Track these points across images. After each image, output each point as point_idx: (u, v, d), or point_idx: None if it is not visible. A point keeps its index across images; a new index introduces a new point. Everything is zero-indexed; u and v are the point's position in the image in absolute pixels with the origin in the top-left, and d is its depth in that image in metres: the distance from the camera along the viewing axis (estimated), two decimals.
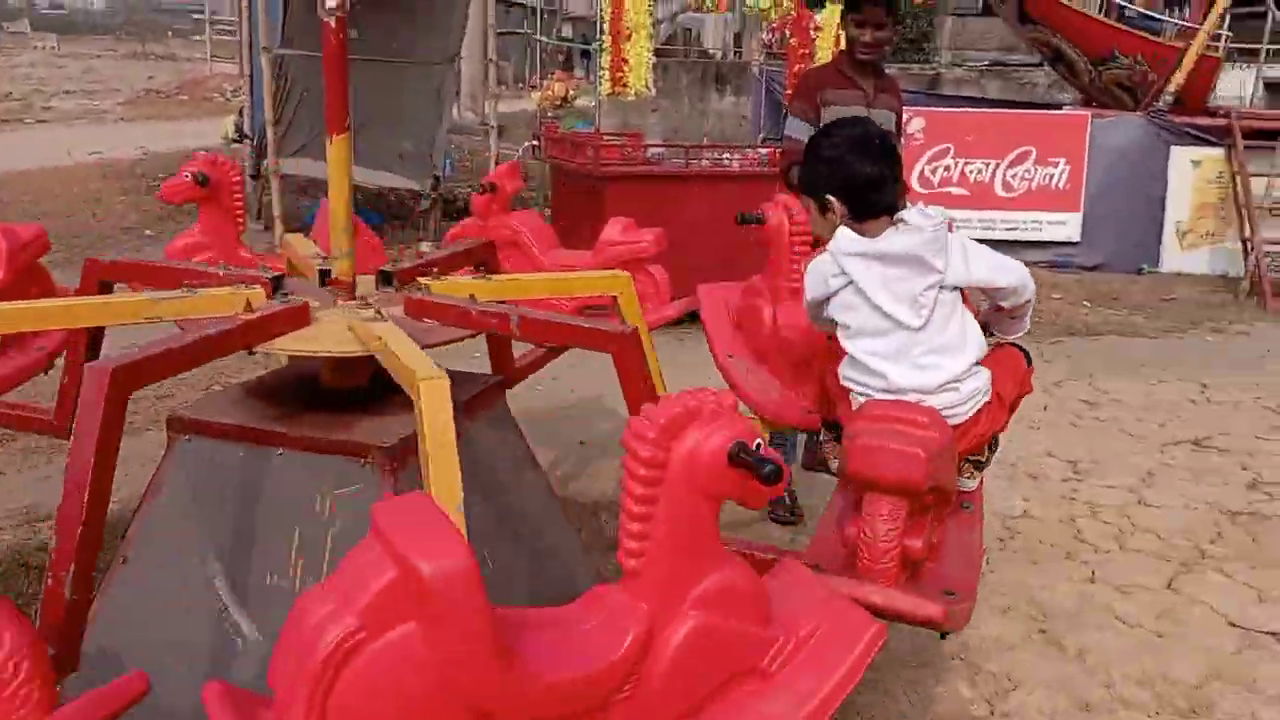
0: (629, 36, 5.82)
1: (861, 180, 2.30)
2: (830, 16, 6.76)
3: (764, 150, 6.75)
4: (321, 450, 2.30)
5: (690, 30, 22.14)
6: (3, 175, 10.70)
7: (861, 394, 2.33)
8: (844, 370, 2.37)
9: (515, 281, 2.86)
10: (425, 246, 7.52)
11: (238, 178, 3.61)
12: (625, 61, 5.94)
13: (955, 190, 8.47)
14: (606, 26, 5.91)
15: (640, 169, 6.28)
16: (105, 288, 2.64)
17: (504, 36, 10.60)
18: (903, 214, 2.29)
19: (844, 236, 2.29)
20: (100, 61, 37.40)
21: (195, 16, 40.51)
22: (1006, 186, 8.65)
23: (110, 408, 1.76)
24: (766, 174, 6.18)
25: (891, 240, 2.26)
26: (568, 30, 18.06)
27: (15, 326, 2.15)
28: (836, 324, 2.36)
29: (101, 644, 2.39)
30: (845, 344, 2.33)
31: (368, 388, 2.51)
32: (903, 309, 2.24)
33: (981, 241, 2.44)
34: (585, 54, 20.99)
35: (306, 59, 8.77)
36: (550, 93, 9.23)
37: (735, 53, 24.02)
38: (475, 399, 2.59)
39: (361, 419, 2.38)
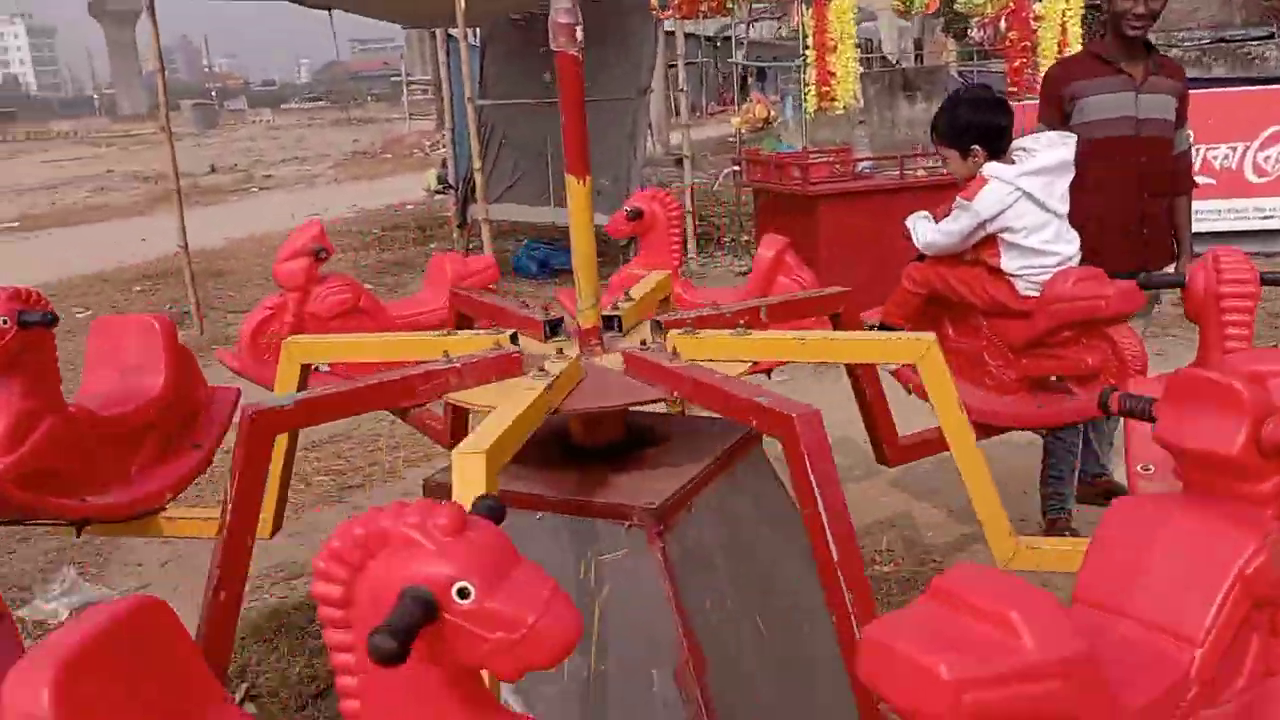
0: (834, 48, 5.57)
1: (997, 130, 3.07)
2: (1052, 3, 6.24)
3: None
4: (582, 513, 2.15)
5: (870, 40, 21.57)
6: (239, 240, 11.52)
7: (1038, 276, 2.97)
8: (1012, 264, 3.02)
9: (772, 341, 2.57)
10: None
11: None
12: (832, 74, 5.68)
13: (1200, 179, 7.65)
14: (810, 40, 5.66)
15: (852, 185, 5.98)
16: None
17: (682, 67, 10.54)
18: (1020, 143, 3.07)
19: (1002, 168, 3.00)
20: (309, 130, 40.48)
21: (393, 79, 43.14)
22: (1259, 171, 7.77)
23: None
24: None
25: (1046, 156, 3.00)
26: (740, 57, 17.96)
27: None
28: (987, 237, 3.03)
29: None
30: (1015, 242, 3.00)
31: (621, 444, 2.36)
32: (1056, 202, 3.00)
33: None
34: (761, 76, 20.79)
35: (503, 108, 9.00)
36: (751, 115, 9.05)
37: (916, 57, 23.22)
38: (737, 446, 2.39)
39: (619, 477, 2.22)
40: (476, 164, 6.53)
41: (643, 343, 2.24)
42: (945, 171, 6.19)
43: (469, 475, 1.67)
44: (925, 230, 3.12)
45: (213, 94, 64.46)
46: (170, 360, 2.89)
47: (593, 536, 2.14)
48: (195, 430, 3.02)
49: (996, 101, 3.15)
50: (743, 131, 9.33)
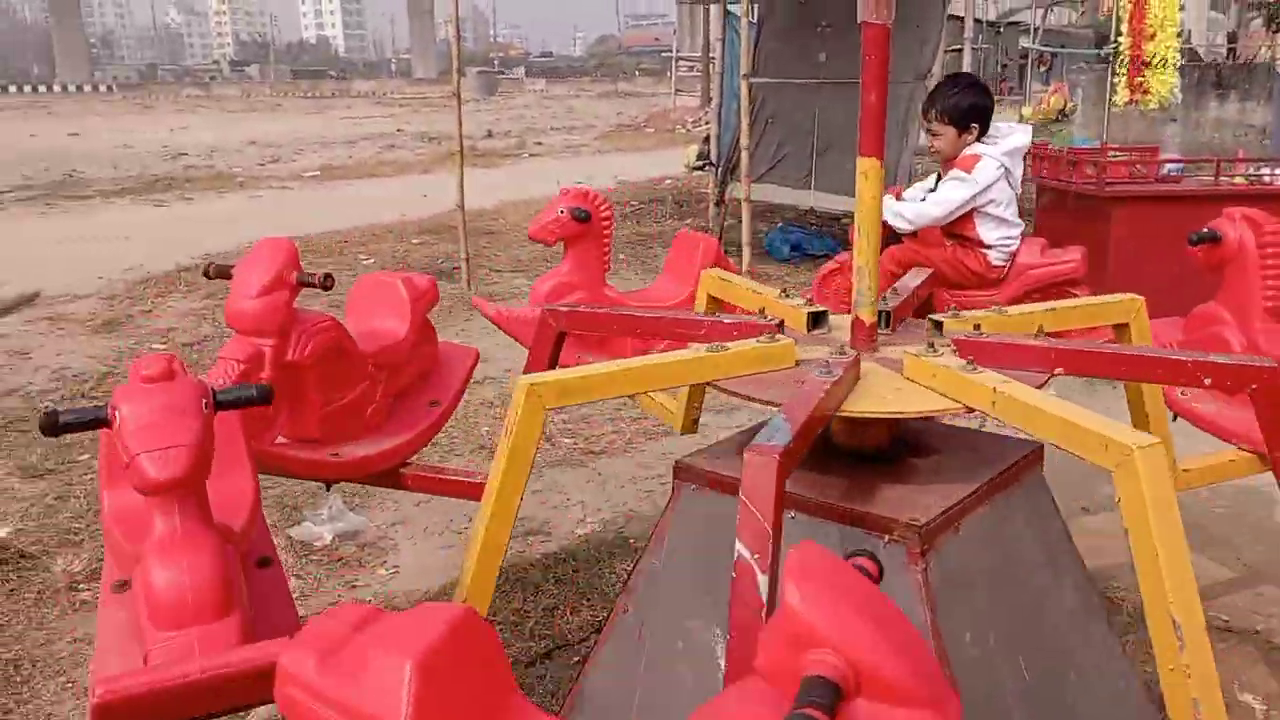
0: (1153, 35, 5.02)
1: (989, 112, 3.44)
2: None
3: None
4: (838, 519, 2.02)
5: (1180, 33, 19.64)
6: (508, 202, 12.08)
7: (1009, 246, 3.44)
8: (990, 234, 3.41)
9: (1030, 314, 2.39)
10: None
11: (609, 214, 3.44)
12: (1147, 65, 5.13)
13: None
14: (1125, 25, 5.13)
15: (1155, 188, 5.40)
16: (560, 339, 2.52)
17: (957, 54, 9.99)
18: (995, 128, 3.46)
19: (990, 146, 3.40)
20: (579, 101, 41.97)
21: (663, 55, 43.91)
22: None
23: (779, 492, 1.64)
24: None
25: (1015, 139, 3.43)
26: (1024, 43, 16.82)
27: (565, 399, 2.07)
28: (971, 212, 3.41)
29: (594, 694, 2.33)
30: (994, 214, 3.40)
31: (887, 450, 2.21)
32: (1015, 181, 3.45)
33: None
34: (1048, 66, 19.43)
35: (774, 87, 8.85)
36: (1046, 106, 8.41)
37: (1229, 52, 20.90)
38: (1015, 466, 2.17)
39: (883, 486, 2.07)
40: (744, 142, 6.42)
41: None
42: (1267, 180, 5.54)
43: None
44: (913, 207, 3.45)
45: (495, 62, 68.15)
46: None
47: (846, 545, 2.00)
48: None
49: (984, 86, 3.59)
50: (1036, 122, 8.69)
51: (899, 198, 3.57)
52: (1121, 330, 2.52)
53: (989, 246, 3.42)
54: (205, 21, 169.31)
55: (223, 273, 2.66)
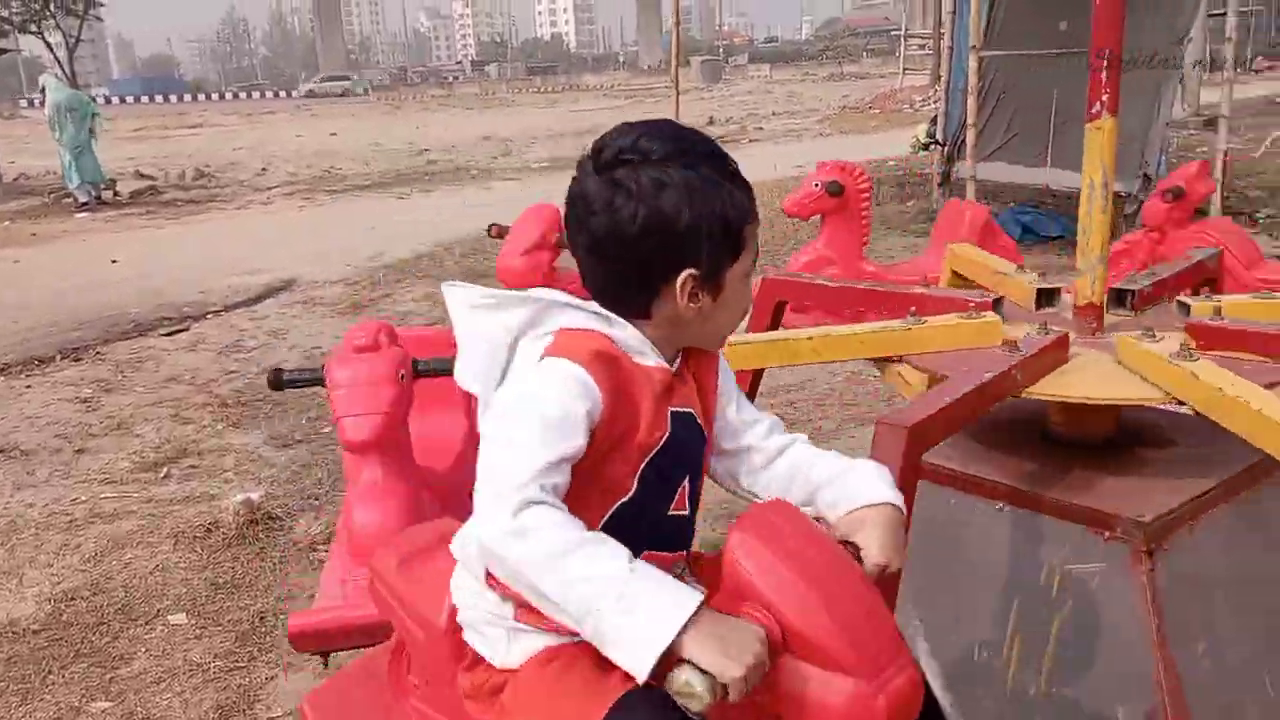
0: None
1: None
2: None
3: None
4: (1053, 512, 1.87)
5: None
6: None
7: None
8: None
9: None
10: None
11: (867, 185, 3.30)
12: None
13: None
14: None
15: None
16: (780, 307, 2.51)
17: (1221, 17, 9.08)
18: None
19: None
20: (803, 85, 41.35)
21: (892, 34, 42.59)
22: None
23: (908, 465, 1.56)
24: None
25: None
26: None
27: (762, 361, 2.07)
28: None
29: None
30: None
31: (1113, 440, 2.02)
32: None
33: None
34: None
35: (1010, 62, 8.36)
36: None
37: None
38: (1262, 463, 1.93)
39: (1106, 480, 1.90)
40: (971, 119, 6.10)
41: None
42: None
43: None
44: None
45: (720, 50, 68.39)
46: None
47: (1062, 541, 1.86)
48: None
49: None
50: None
51: None
52: None
53: None
54: (451, 25, 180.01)
55: (502, 232, 3.00)
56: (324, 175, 16.51)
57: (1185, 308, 1.97)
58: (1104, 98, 1.87)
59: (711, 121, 23.62)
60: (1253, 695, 1.84)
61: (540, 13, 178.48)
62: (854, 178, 3.28)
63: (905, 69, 25.59)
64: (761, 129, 21.74)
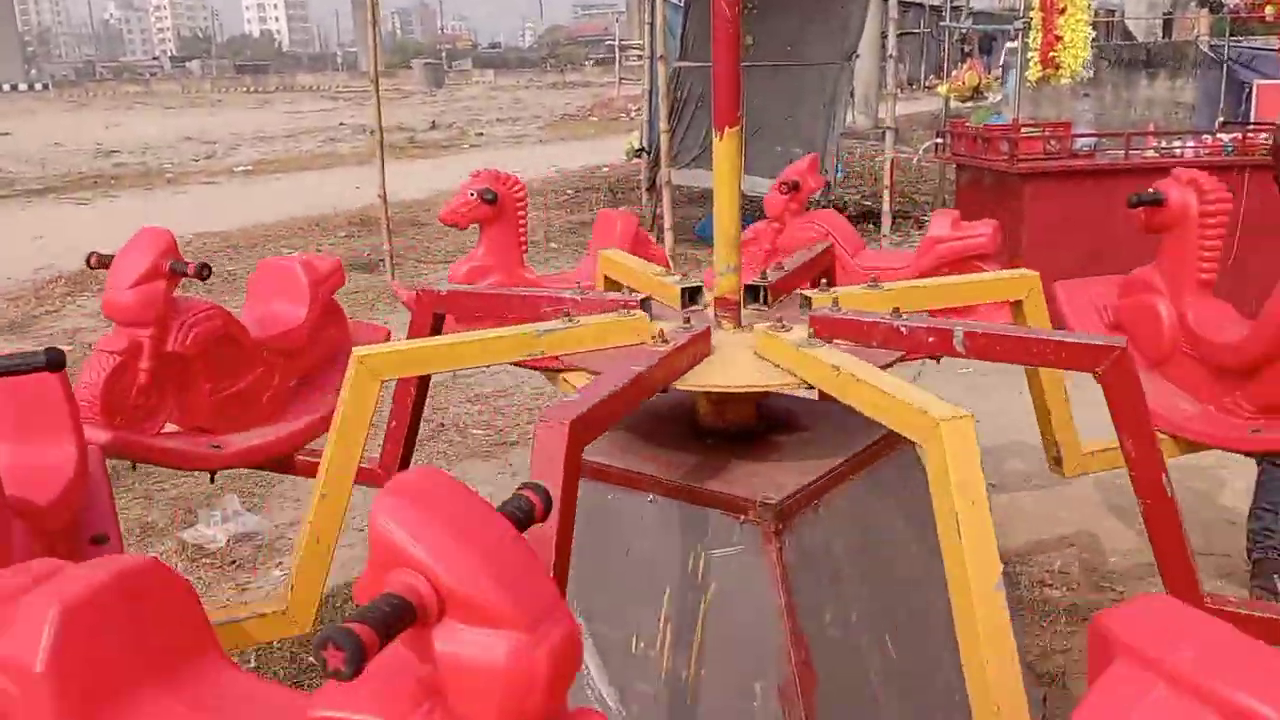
0: (1064, 10, 5.02)
1: None
2: None
3: (1227, 136, 5.57)
4: (696, 501, 1.96)
5: (1112, 12, 19.94)
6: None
7: None
8: None
9: (914, 289, 2.34)
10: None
11: (522, 193, 3.36)
12: (1058, 39, 5.12)
13: None
14: (1036, 1, 5.12)
15: (1067, 164, 5.41)
16: (439, 319, 2.47)
17: (899, 39, 9.97)
18: None
19: None
20: (527, 92, 41.63)
21: (610, 43, 43.74)
22: None
23: (570, 460, 1.54)
24: (1234, 164, 5.08)
25: None
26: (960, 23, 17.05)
27: (399, 371, 2.02)
28: None
29: None
30: None
31: (753, 428, 2.15)
32: None
33: None
34: (987, 50, 19.59)
35: (703, 71, 8.79)
36: (960, 84, 8.44)
37: (1165, 29, 21.19)
38: (884, 441, 2.12)
39: (744, 466, 2.01)
40: (663, 126, 6.36)
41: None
42: (1179, 154, 5.58)
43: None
44: None
45: (442, 54, 67.46)
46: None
47: (706, 528, 1.95)
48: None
49: None
50: (951, 100, 8.71)
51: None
52: (1017, 307, 2.47)
53: None
54: (145, 18, 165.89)
55: (105, 262, 2.58)
56: None
57: (808, 301, 2.12)
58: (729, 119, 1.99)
59: (435, 125, 23.27)
60: (876, 657, 2.00)
61: (248, 7, 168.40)
62: (508, 186, 3.29)
63: (621, 78, 26.38)
64: (483, 134, 21.68)
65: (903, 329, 1.89)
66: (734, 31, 1.99)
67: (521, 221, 3.37)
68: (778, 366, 1.93)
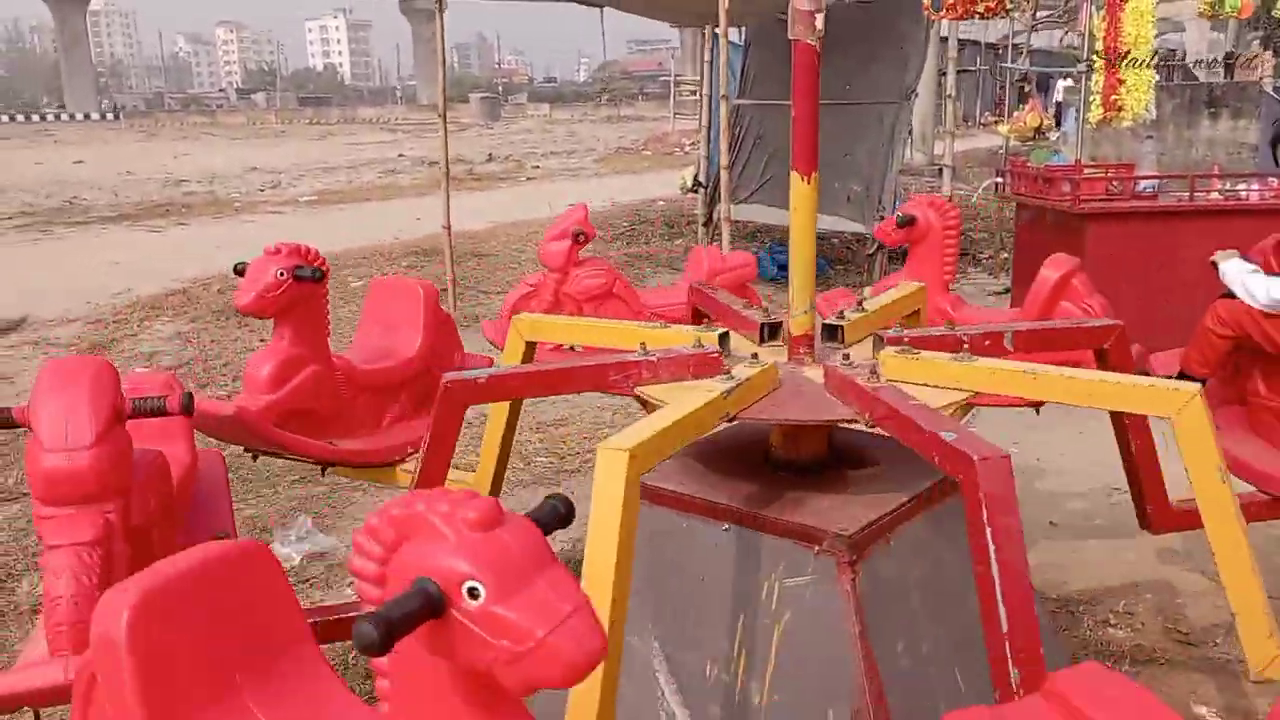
0: (1127, 53, 5.05)
1: None
2: None
3: None
4: (770, 530, 2.02)
5: (1174, 51, 19.77)
6: (501, 225, 12.13)
7: None
8: None
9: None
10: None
11: (326, 272, 2.94)
12: (1121, 82, 5.15)
13: None
14: (1099, 44, 5.16)
15: (1130, 205, 5.41)
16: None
17: (957, 75, 10.00)
18: None
19: None
20: (581, 125, 42.14)
21: (663, 79, 44.25)
22: None
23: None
24: None
25: None
26: (1020, 63, 17.02)
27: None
28: None
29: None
30: None
31: (825, 461, 2.21)
32: None
33: None
34: (1045, 89, 19.53)
35: (761, 109, 8.91)
36: (1021, 124, 8.45)
37: (1226, 70, 20.93)
38: (942, 483, 2.17)
39: (817, 498, 2.07)
40: (724, 161, 6.47)
41: (845, 357, 2.07)
42: (1244, 196, 5.54)
43: (610, 472, 1.59)
44: (1264, 285, 2.73)
45: (499, 88, 68.67)
46: (429, 323, 3.10)
47: (779, 557, 2.01)
48: None
49: None
50: (1011, 140, 8.71)
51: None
52: (1100, 355, 2.43)
53: None
54: (213, 51, 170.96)
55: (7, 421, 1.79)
56: (65, 206, 15.25)
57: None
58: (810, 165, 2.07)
59: (491, 158, 23.67)
60: (945, 688, 2.04)
61: (312, 42, 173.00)
62: (320, 261, 2.93)
63: (676, 113, 26.60)
64: (539, 167, 21.99)
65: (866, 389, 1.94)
66: (813, 80, 2.08)
67: (325, 306, 2.95)
68: (843, 403, 1.99)
